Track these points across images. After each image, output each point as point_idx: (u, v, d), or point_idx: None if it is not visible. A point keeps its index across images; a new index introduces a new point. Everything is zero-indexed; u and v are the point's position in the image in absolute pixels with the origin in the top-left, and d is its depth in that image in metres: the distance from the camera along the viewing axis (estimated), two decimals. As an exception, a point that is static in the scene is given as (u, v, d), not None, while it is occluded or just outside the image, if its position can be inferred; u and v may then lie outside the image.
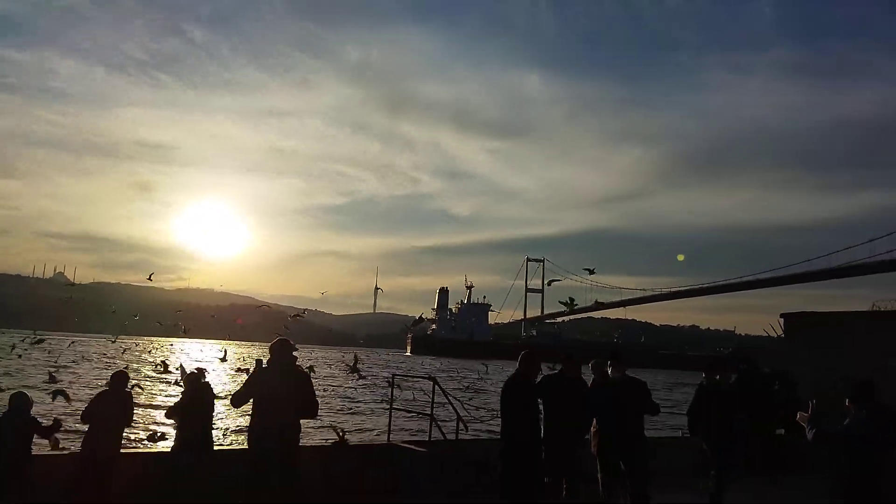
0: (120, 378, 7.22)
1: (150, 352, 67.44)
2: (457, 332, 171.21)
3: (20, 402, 6.56)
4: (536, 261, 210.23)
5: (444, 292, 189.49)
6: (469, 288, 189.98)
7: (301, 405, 6.00)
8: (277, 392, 5.87)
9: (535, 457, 6.37)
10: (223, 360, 20.06)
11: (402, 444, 8.57)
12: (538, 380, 6.73)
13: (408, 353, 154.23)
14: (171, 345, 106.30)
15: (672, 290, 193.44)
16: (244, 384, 6.09)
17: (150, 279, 13.23)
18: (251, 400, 6.00)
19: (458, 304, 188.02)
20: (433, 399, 8.30)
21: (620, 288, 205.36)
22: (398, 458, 8.21)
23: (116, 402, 6.98)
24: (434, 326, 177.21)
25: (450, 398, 8.40)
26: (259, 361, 6.54)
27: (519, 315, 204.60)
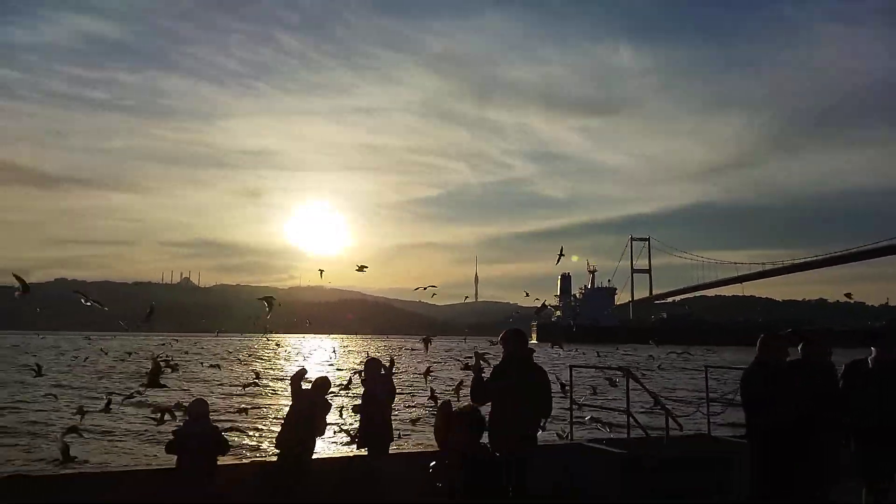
0: (323, 384, 7.07)
1: (274, 349, 71.38)
2: (582, 317, 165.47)
3: (202, 410, 6.49)
4: (641, 240, 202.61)
5: (566, 278, 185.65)
6: (592, 272, 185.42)
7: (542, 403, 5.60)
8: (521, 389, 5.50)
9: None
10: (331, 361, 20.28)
11: (590, 444, 7.66)
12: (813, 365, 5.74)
13: (533, 341, 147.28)
14: (301, 342, 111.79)
15: (793, 261, 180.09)
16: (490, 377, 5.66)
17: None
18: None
19: (581, 289, 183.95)
20: (628, 393, 7.44)
21: (735, 263, 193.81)
22: (586, 458, 7.30)
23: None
24: (558, 313, 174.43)
25: (651, 391, 7.60)
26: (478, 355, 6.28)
27: (625, 298, 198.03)
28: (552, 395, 5.67)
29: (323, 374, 7.40)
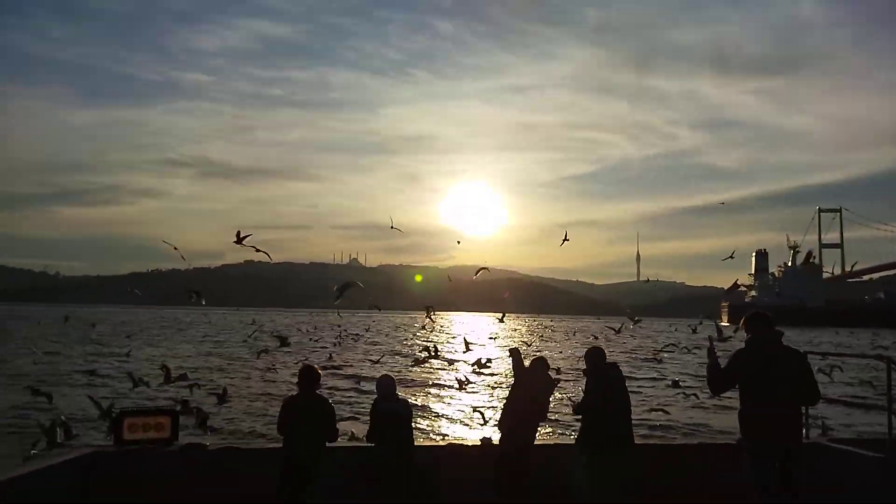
0: (544, 365, 6.64)
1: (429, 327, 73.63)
2: (783, 298, 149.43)
3: (391, 387, 6.20)
4: (831, 211, 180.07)
5: (762, 255, 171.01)
6: (794, 248, 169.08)
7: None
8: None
9: None
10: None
11: (834, 445, 6.42)
12: None
13: (724, 324, 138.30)
14: (459, 319, 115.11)
15: None
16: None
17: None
18: None
19: (780, 267, 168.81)
20: (889, 387, 6.04)
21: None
22: (831, 459, 6.11)
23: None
24: (753, 293, 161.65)
25: None
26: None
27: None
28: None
29: (540, 355, 6.99)
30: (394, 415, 5.94)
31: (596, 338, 48.16)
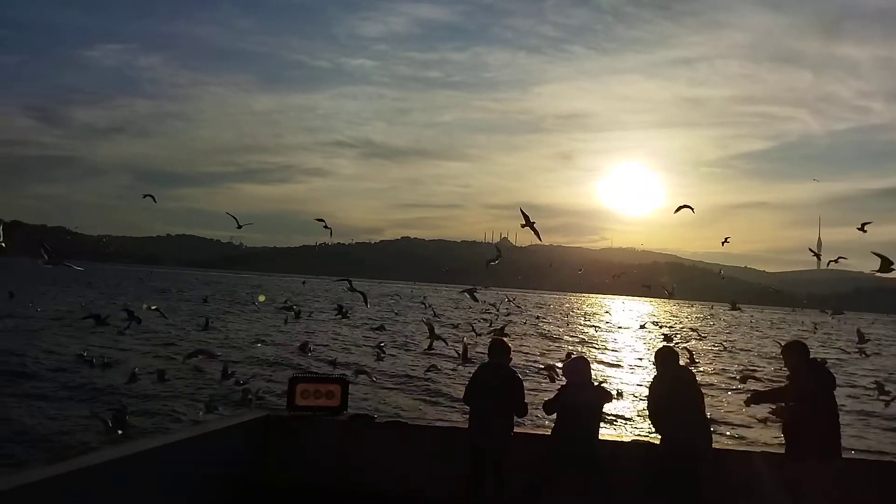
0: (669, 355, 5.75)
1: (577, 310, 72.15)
2: None
3: (585, 372, 5.56)
4: None
5: None
6: None
7: None
8: None
9: None
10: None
11: None
12: None
13: None
14: (617, 303, 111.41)
15: None
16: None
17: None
18: None
19: None
20: None
21: None
22: None
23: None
24: None
25: None
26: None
27: None
28: None
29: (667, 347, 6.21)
30: (583, 404, 5.36)
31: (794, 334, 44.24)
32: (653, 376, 5.72)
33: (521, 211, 9.97)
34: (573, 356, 6.01)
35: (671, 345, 6.16)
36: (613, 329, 50.77)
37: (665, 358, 5.61)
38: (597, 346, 29.40)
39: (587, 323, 57.04)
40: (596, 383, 5.85)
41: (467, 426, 5.61)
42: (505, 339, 6.03)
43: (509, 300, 48.82)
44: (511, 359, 5.75)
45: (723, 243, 15.27)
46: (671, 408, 5.29)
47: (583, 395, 5.42)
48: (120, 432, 10.24)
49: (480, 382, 5.54)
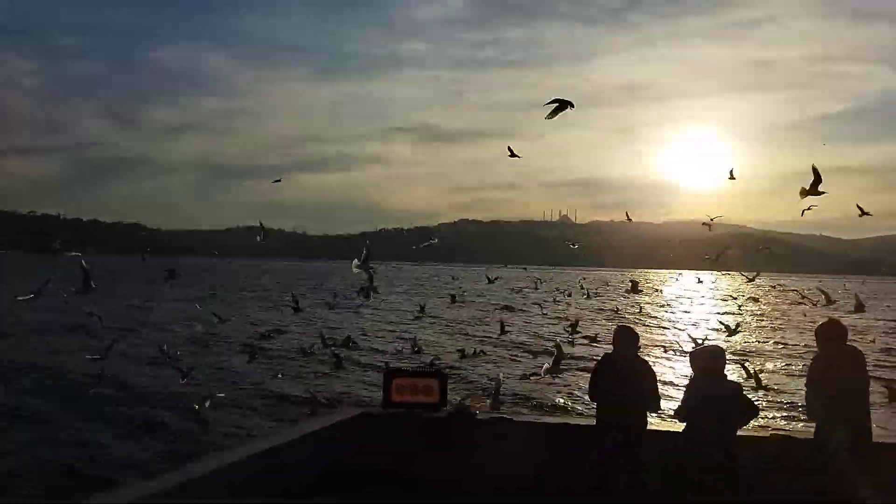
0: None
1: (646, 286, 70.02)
2: None
3: (719, 364, 4.90)
4: None
5: None
6: None
7: None
8: None
9: None
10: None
11: None
12: None
13: None
14: (677, 278, 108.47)
15: None
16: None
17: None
18: None
19: None
20: None
21: None
22: None
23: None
24: None
25: None
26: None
27: None
28: None
29: None
30: (718, 399, 4.66)
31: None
32: (812, 357, 5.09)
33: (509, 149, 9.53)
34: (700, 344, 5.49)
35: (835, 319, 5.14)
36: (704, 307, 48.14)
37: (828, 335, 4.86)
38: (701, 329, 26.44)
39: (673, 301, 54.32)
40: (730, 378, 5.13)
41: (595, 422, 5.11)
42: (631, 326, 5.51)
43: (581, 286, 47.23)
44: (640, 348, 5.27)
45: (803, 213, 13.64)
46: (832, 394, 4.65)
47: (717, 389, 4.70)
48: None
49: (608, 375, 5.06)
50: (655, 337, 26.62)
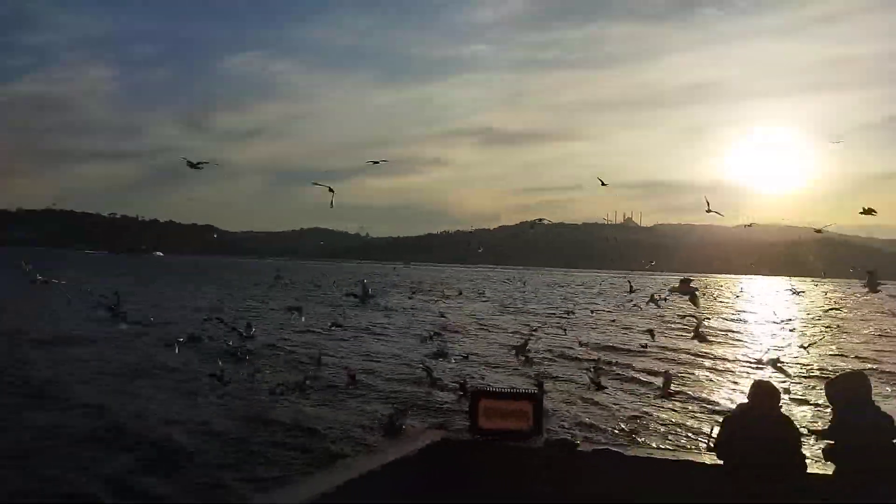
0: None
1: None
2: None
3: (864, 392, 4.17)
4: None
5: None
6: None
7: None
8: None
9: None
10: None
11: None
12: None
13: None
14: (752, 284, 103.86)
15: None
16: None
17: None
18: None
19: None
20: None
21: None
22: None
23: None
24: None
25: None
26: None
27: None
28: None
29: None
30: (871, 428, 3.97)
31: None
32: None
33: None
34: (845, 371, 4.78)
35: None
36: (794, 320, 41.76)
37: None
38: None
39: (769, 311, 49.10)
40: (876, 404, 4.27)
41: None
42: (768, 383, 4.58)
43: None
44: (781, 406, 4.39)
45: (862, 212, 11.27)
46: None
47: (868, 420, 3.98)
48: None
49: (744, 436, 4.21)
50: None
